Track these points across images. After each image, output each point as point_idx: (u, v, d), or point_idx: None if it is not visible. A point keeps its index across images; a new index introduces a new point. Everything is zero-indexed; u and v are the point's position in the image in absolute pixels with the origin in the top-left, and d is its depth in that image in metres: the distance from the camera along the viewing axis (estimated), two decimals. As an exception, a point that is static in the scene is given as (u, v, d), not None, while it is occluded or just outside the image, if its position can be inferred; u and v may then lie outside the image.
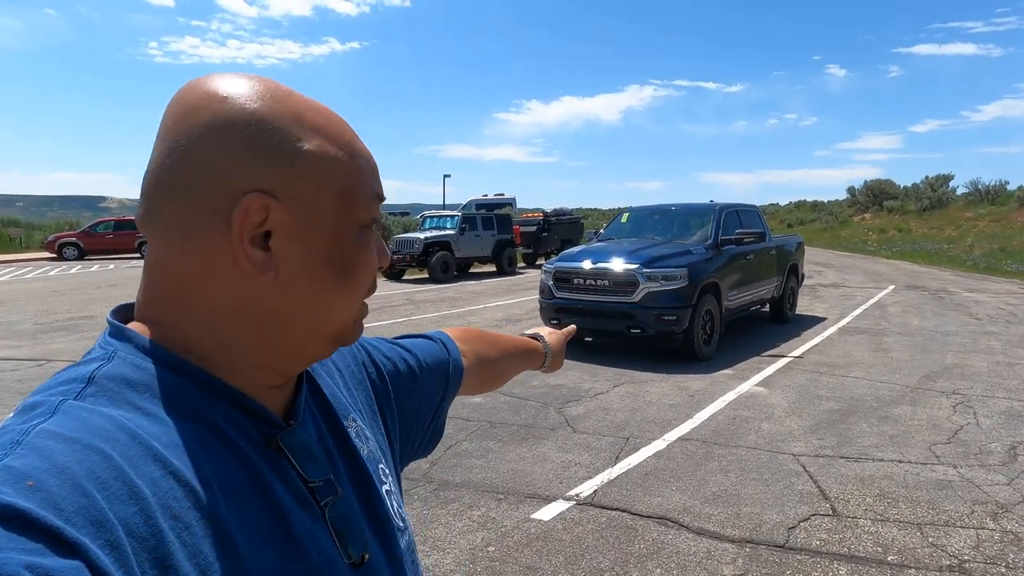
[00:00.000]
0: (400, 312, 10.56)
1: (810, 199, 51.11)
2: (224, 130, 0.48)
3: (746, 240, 7.95)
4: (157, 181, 0.49)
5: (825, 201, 46.83)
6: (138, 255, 23.94)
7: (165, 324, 0.51)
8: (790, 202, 52.52)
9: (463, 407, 5.29)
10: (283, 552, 0.49)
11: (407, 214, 30.17)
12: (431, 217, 17.89)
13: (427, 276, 15.54)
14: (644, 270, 6.96)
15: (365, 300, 0.57)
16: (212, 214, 0.48)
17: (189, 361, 0.50)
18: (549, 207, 23.09)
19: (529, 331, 1.12)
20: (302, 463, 0.54)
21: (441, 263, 15.39)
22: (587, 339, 7.96)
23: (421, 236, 15.67)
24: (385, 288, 14.11)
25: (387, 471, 0.64)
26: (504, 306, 11.31)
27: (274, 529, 0.49)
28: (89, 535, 0.37)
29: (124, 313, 0.54)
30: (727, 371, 6.66)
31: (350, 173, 0.53)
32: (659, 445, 4.48)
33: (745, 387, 6.01)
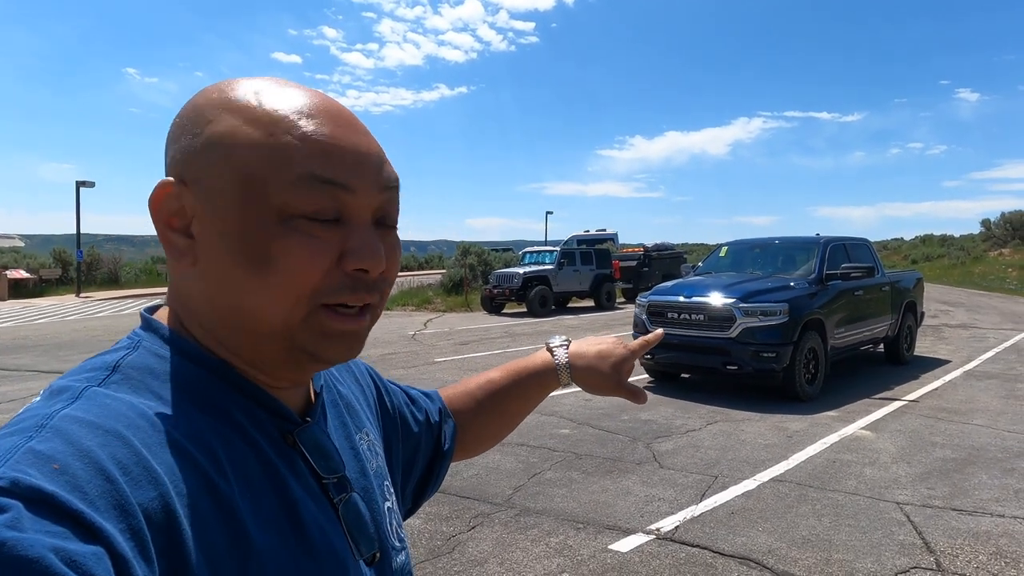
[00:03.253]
0: (497, 344, 10.84)
1: (938, 233, 46.99)
2: (173, 127, 0.51)
3: (854, 275, 7.54)
4: None
5: (956, 235, 42.88)
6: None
7: (184, 317, 0.52)
8: (916, 237, 48.47)
9: (549, 437, 5.39)
10: (294, 545, 0.48)
11: (510, 250, 30.91)
12: (531, 252, 18.27)
13: (525, 310, 15.83)
14: (741, 304, 6.78)
15: (341, 304, 0.49)
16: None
17: (212, 353, 0.50)
18: (652, 242, 22.83)
19: (557, 341, 0.90)
20: (316, 460, 0.54)
21: (539, 297, 15.63)
22: (683, 375, 7.81)
23: (520, 271, 16.03)
24: (484, 321, 14.53)
25: (391, 489, 0.64)
26: (600, 340, 11.28)
27: (286, 522, 0.49)
28: (111, 520, 0.38)
29: (157, 310, 0.55)
30: (831, 413, 6.29)
31: (263, 155, 0.47)
32: (749, 485, 4.34)
33: (849, 430, 5.66)
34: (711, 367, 6.99)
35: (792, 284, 7.21)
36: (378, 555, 0.57)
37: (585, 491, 4.22)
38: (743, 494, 4.18)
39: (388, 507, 0.61)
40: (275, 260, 0.47)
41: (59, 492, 0.36)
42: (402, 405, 0.78)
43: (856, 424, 5.84)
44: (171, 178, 0.49)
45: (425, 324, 13.84)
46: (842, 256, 7.93)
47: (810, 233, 8.91)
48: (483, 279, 18.52)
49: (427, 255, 46.82)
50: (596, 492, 4.21)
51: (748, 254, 8.66)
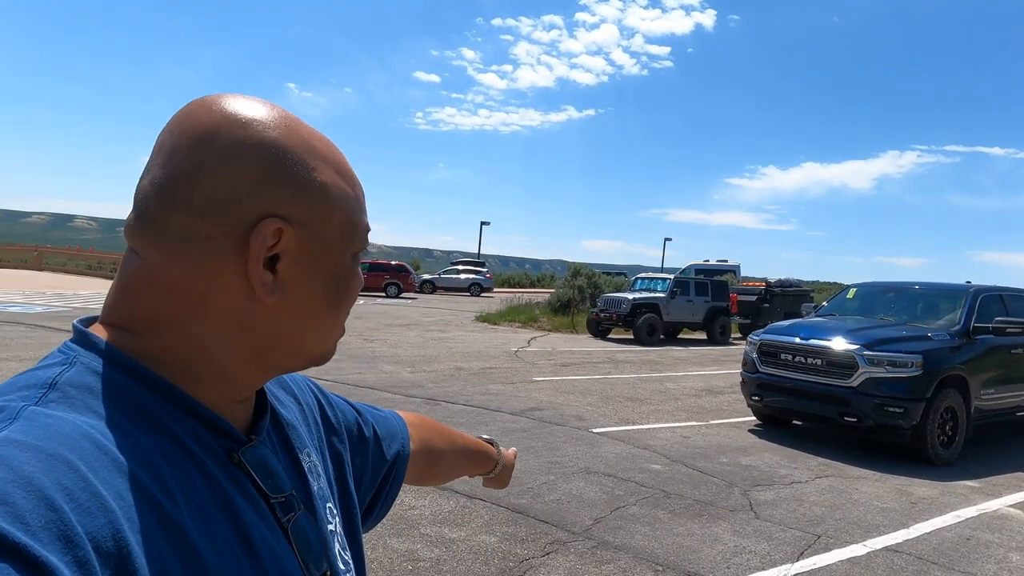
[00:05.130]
0: (599, 370, 10.64)
1: None
2: (245, 155, 0.49)
3: (1010, 330, 6.63)
4: (164, 195, 0.49)
5: None
6: (383, 294, 27.35)
7: (140, 332, 0.50)
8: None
9: (639, 471, 5.17)
10: (247, 568, 0.48)
11: (622, 274, 30.46)
12: (643, 278, 17.84)
13: (632, 337, 15.44)
14: (866, 352, 6.18)
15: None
16: (225, 235, 0.48)
17: (154, 371, 0.49)
18: (777, 277, 21.54)
19: (485, 436, 1.08)
20: (262, 478, 0.53)
21: (647, 325, 15.18)
22: (794, 422, 7.23)
23: (630, 296, 15.67)
24: (588, 344, 14.34)
25: (334, 510, 0.62)
26: (707, 376, 10.77)
27: (237, 545, 0.48)
28: (56, 552, 0.36)
29: (91, 323, 0.53)
30: (970, 483, 5.54)
31: (353, 206, 0.54)
32: (857, 550, 3.89)
33: (992, 505, 4.94)
34: (826, 416, 6.41)
35: (930, 335, 6.47)
36: (328, 574, 0.56)
37: (670, 532, 3.99)
38: (848, 560, 3.75)
39: (331, 530, 0.60)
40: (348, 293, 0.55)
41: None
42: (349, 418, 0.75)
43: (1002, 499, 5.10)
44: (275, 218, 0.49)
45: (529, 342, 13.89)
46: (997, 308, 7.01)
47: (964, 279, 7.97)
48: (591, 302, 18.33)
49: (540, 273, 47.25)
50: (681, 535, 3.96)
51: (879, 298, 7.89)
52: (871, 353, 6.16)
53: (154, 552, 0.41)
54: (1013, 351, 6.87)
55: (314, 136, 0.53)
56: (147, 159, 0.52)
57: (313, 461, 0.62)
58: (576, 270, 20.86)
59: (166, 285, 0.49)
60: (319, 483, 0.61)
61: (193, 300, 0.49)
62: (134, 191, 0.51)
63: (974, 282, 7.70)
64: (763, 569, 3.56)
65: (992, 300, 7.07)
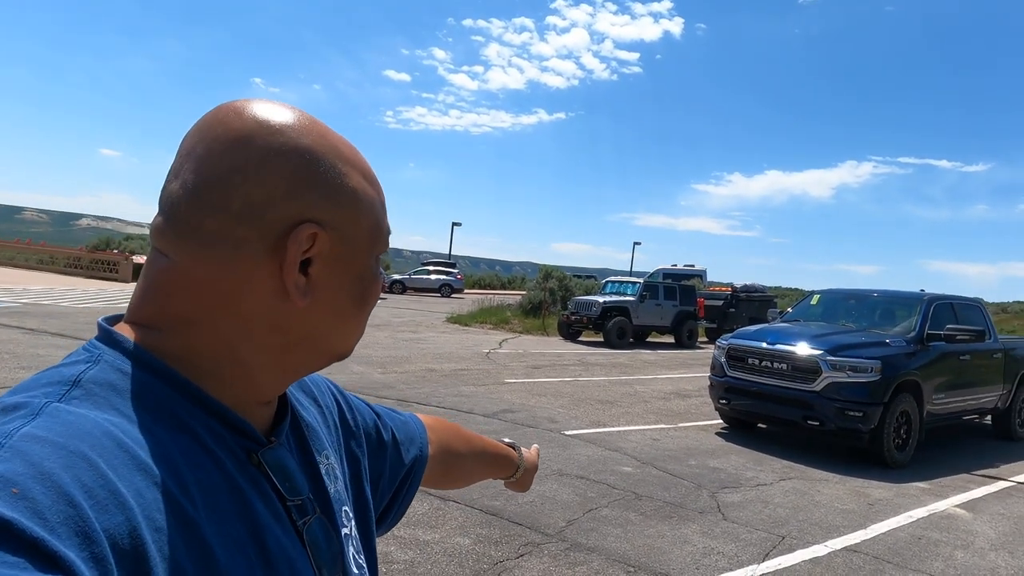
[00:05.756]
0: (569, 371, 10.76)
1: (1075, 298, 42.18)
2: (280, 160, 0.50)
3: (960, 337, 6.95)
4: (198, 199, 0.49)
5: (1099, 301, 38.36)
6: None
7: (166, 330, 0.50)
8: (1046, 300, 43.83)
9: (611, 473, 5.29)
10: (257, 570, 0.48)
11: (592, 278, 30.73)
12: (613, 282, 18.07)
13: (602, 340, 15.64)
14: (829, 357, 6.41)
15: None
16: (259, 238, 0.49)
17: (177, 371, 0.49)
18: (742, 283, 22.01)
19: (507, 440, 1.08)
20: (280, 481, 0.54)
21: (617, 328, 15.40)
22: (760, 425, 7.45)
23: (600, 300, 15.86)
24: (559, 347, 14.48)
25: (349, 514, 0.63)
26: (675, 379, 10.98)
27: (252, 547, 0.48)
28: (73, 548, 0.36)
29: (116, 322, 0.53)
30: (921, 484, 5.80)
31: (378, 210, 0.57)
32: (819, 550, 4.06)
33: (941, 506, 5.19)
34: (790, 420, 6.63)
35: (888, 341, 6.74)
36: None
37: (641, 534, 4.10)
38: (811, 560, 3.91)
39: (346, 533, 0.60)
40: (371, 295, 0.57)
41: (18, 519, 0.35)
42: (368, 421, 0.76)
43: (950, 500, 5.35)
44: (310, 223, 0.50)
45: (500, 344, 13.95)
46: (948, 316, 7.34)
47: (916, 287, 8.33)
48: (562, 304, 18.49)
49: (510, 276, 47.37)
50: (652, 536, 4.08)
51: (842, 305, 8.19)
52: (833, 358, 6.40)
53: (169, 550, 0.41)
54: (962, 358, 7.20)
55: (341, 142, 0.55)
56: (173, 162, 0.52)
57: (331, 464, 0.63)
58: (547, 272, 20.99)
59: (195, 285, 0.50)
60: (336, 486, 0.62)
61: (221, 299, 0.50)
62: (160, 194, 0.52)
63: (927, 290, 8.05)
64: (731, 570, 3.69)
65: (944, 308, 7.40)
